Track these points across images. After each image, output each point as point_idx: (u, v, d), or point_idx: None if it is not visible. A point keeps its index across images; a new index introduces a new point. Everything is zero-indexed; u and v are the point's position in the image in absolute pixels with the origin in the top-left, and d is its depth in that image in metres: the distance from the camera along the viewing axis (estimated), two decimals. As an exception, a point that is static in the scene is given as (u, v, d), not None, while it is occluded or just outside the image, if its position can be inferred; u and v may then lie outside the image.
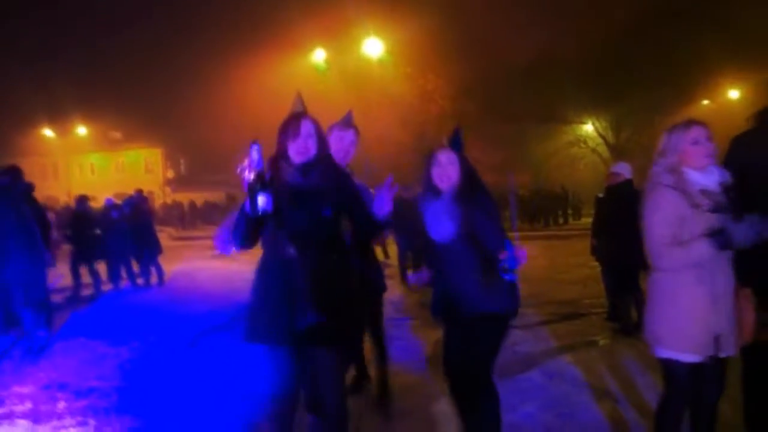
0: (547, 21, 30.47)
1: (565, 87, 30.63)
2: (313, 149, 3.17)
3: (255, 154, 2.96)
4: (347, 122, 4.09)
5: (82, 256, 10.74)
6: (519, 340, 6.48)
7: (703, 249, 2.90)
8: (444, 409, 4.39)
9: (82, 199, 11.47)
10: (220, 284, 11.85)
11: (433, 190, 3.57)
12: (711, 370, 3.12)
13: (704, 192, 2.97)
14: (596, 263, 7.85)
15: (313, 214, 3.10)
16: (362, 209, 3.24)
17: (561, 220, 30.62)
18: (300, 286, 3.05)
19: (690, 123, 3.09)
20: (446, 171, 3.51)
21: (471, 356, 3.55)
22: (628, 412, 4.45)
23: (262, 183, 2.95)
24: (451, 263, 3.49)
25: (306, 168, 3.16)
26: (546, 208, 30.02)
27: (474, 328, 3.49)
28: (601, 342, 6.56)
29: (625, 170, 6.92)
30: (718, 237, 2.88)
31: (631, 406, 4.58)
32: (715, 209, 2.94)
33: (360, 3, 27.93)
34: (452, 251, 3.47)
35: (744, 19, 27.78)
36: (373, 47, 27.05)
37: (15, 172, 6.95)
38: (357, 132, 4.12)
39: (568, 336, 6.83)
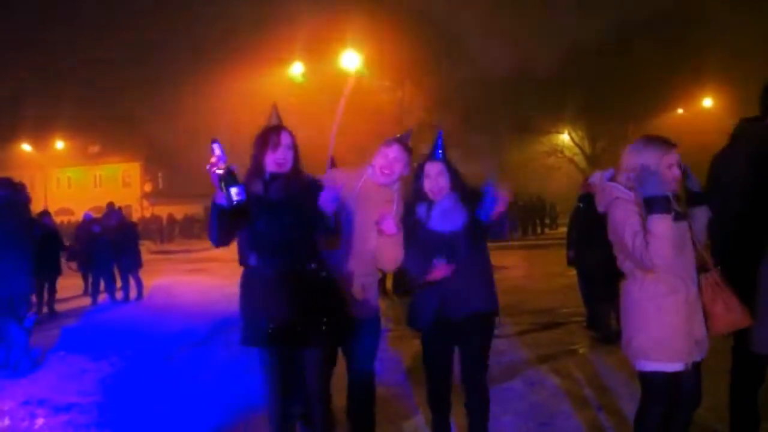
0: (523, 33, 30.75)
1: (541, 97, 30.96)
2: (290, 161, 3.34)
3: (218, 150, 3.09)
4: (396, 138, 3.84)
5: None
6: (500, 349, 6.51)
7: (658, 223, 2.93)
8: (421, 420, 4.44)
9: (44, 215, 11.21)
10: (198, 298, 11.78)
11: (425, 201, 3.62)
12: (689, 376, 3.17)
13: None
14: (574, 272, 7.92)
15: (275, 224, 3.25)
16: (323, 221, 3.32)
17: (538, 230, 30.81)
18: (261, 292, 3.26)
19: (670, 146, 3.13)
20: (437, 183, 3.57)
21: (475, 359, 3.63)
22: (607, 421, 4.50)
23: (231, 175, 3.08)
24: (459, 257, 3.52)
25: (271, 179, 3.32)
26: (523, 218, 30.21)
27: (476, 328, 3.59)
28: (581, 351, 6.63)
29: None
30: (650, 205, 2.95)
31: (611, 414, 4.62)
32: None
33: (338, 16, 28.04)
34: (459, 246, 3.52)
35: (716, 30, 28.32)
36: (351, 60, 27.13)
37: (16, 185, 6.78)
38: (405, 148, 3.79)
39: (548, 345, 6.89)
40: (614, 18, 29.92)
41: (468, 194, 3.61)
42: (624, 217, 3.07)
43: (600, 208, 3.28)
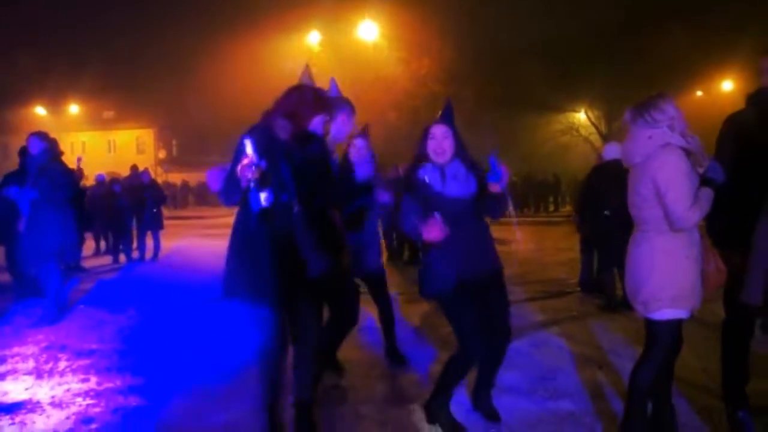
0: (542, 10, 30.45)
1: (558, 75, 30.79)
2: None
3: (250, 150, 3.10)
4: (351, 107, 4.39)
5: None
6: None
7: (710, 197, 3.14)
8: (434, 370, 4.61)
9: None
10: (212, 261, 11.86)
11: (428, 163, 3.70)
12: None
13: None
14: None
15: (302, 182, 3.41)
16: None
17: (551, 207, 30.84)
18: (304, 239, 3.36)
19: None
20: (441, 144, 3.66)
21: (502, 304, 3.82)
22: (606, 378, 4.66)
23: (263, 180, 3.13)
24: (470, 221, 3.67)
25: (306, 137, 3.49)
26: (536, 194, 30.22)
27: (495, 281, 3.78)
28: (586, 317, 6.76)
29: (616, 150, 7.10)
30: (711, 183, 3.15)
31: (610, 373, 4.78)
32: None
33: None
34: (469, 210, 3.67)
35: (738, 12, 28.00)
36: (368, 30, 27.04)
37: (52, 140, 6.91)
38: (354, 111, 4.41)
39: (554, 311, 7.05)
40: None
41: (473, 164, 3.76)
42: (682, 168, 3.14)
43: (635, 159, 3.32)
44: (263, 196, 3.12)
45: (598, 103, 35.60)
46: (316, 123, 3.51)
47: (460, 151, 3.71)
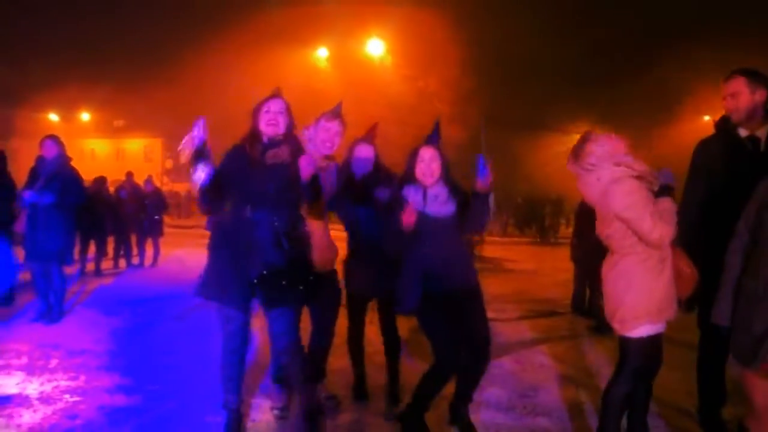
0: (547, 32, 30.72)
1: (563, 95, 31.00)
2: (282, 125, 3.67)
3: (196, 129, 3.43)
4: (334, 113, 4.31)
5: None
6: (496, 332, 6.70)
7: (671, 206, 3.30)
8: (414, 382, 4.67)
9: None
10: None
11: (414, 184, 3.84)
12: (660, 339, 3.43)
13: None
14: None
15: (267, 186, 3.55)
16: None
17: (551, 231, 30.74)
18: (255, 242, 3.52)
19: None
20: (430, 167, 3.81)
21: (479, 315, 3.91)
22: (587, 398, 4.71)
23: (201, 156, 3.40)
24: (447, 240, 3.80)
25: (271, 143, 3.62)
26: (537, 216, 30.14)
27: (478, 296, 3.87)
28: (574, 337, 6.82)
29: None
30: (666, 191, 3.34)
31: (592, 393, 4.80)
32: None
33: (364, 2, 28.06)
34: (448, 229, 3.80)
35: (744, 37, 28.19)
36: (376, 47, 27.23)
37: (63, 145, 7.02)
38: (343, 123, 4.29)
39: (543, 331, 7.11)
40: (643, 21, 29.86)
41: (455, 186, 3.89)
42: (638, 193, 3.28)
43: (593, 198, 3.44)
44: (200, 170, 3.40)
45: (601, 126, 35.73)
46: (263, 125, 3.65)
47: (445, 173, 3.85)
